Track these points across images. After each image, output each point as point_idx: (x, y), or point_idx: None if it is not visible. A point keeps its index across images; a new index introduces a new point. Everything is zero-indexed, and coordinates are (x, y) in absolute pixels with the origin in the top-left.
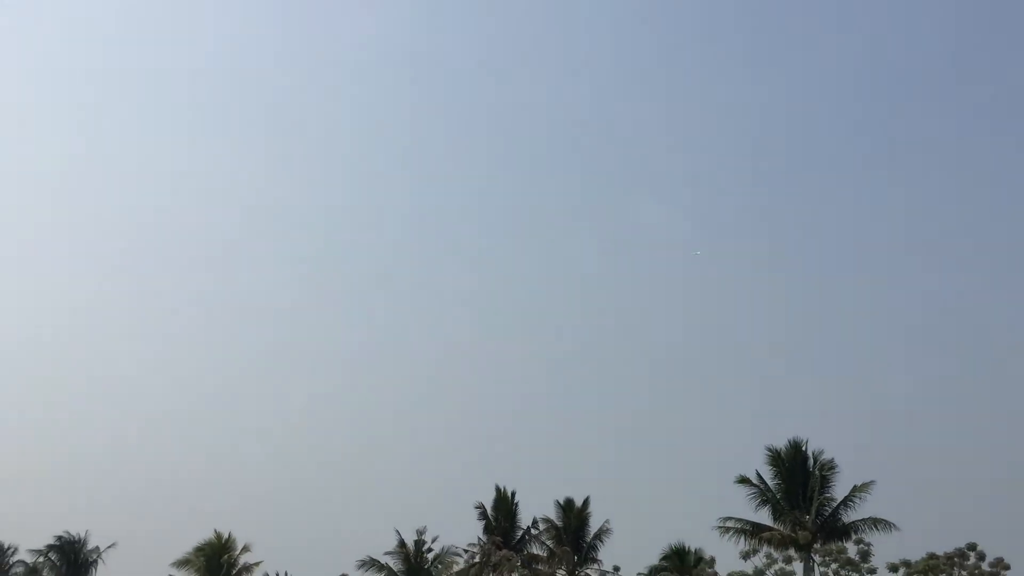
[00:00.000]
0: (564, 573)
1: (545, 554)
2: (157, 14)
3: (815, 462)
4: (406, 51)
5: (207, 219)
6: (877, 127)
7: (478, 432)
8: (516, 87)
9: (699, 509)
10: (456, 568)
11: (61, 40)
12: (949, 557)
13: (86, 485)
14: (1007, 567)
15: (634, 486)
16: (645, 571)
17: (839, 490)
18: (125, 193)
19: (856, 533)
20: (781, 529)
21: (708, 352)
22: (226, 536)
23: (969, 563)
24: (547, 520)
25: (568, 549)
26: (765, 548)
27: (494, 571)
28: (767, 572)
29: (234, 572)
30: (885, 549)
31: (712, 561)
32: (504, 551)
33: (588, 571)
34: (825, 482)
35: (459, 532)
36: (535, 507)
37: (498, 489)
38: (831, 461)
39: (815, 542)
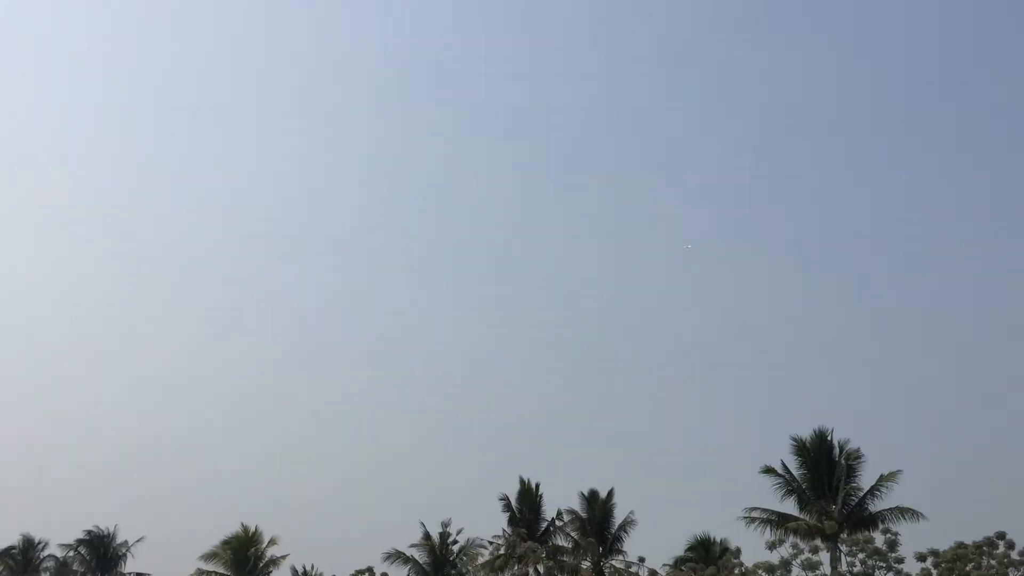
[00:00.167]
0: (589, 564)
1: (570, 545)
2: (179, 8)
3: (841, 451)
4: (429, 48)
5: (232, 217)
6: (904, 117)
7: (502, 425)
8: (536, 83)
9: (724, 500)
10: (481, 560)
11: (88, 38)
12: (978, 546)
13: (115, 480)
14: None
15: (658, 477)
16: (670, 562)
17: (865, 479)
18: (154, 191)
19: (883, 523)
20: (807, 519)
21: (731, 342)
22: (253, 529)
23: (998, 552)
24: (571, 512)
25: (593, 540)
26: (791, 538)
27: (519, 563)
28: (793, 562)
29: (261, 565)
30: (913, 539)
31: (737, 552)
32: (529, 543)
33: (613, 562)
34: (851, 471)
35: (484, 524)
36: (559, 499)
37: (522, 481)
38: (857, 450)
39: (841, 532)
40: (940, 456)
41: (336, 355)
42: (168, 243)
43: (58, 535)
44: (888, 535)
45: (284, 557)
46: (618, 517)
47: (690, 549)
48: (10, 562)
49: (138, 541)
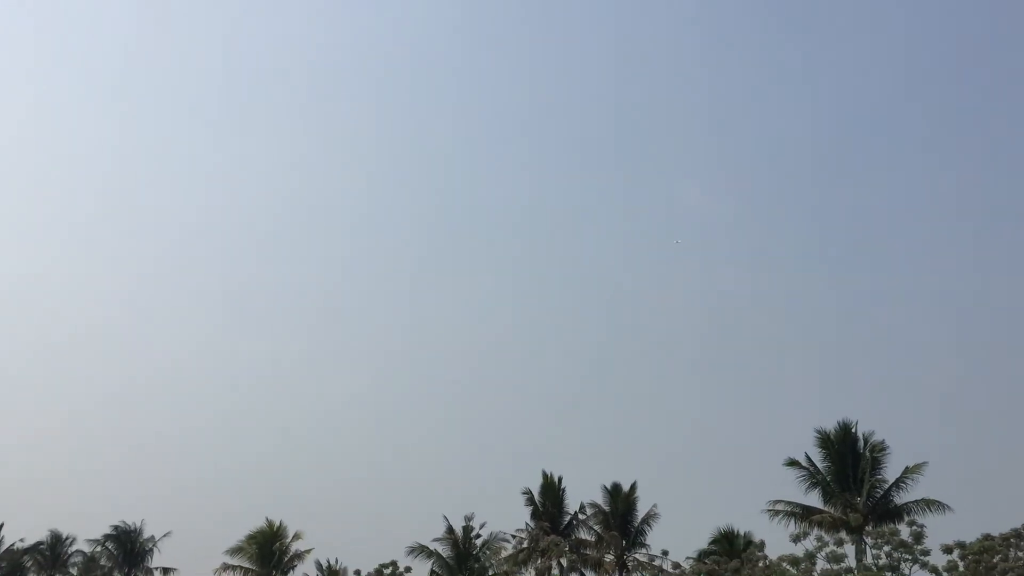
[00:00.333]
0: (612, 558)
1: (593, 539)
2: (191, 10)
3: (865, 444)
4: (445, 47)
5: (249, 215)
6: (925, 113)
7: (525, 419)
8: (555, 78)
9: (748, 492)
10: (504, 554)
11: (97, 39)
12: (1005, 538)
13: (141, 476)
14: None
15: (682, 470)
16: (694, 555)
17: (891, 471)
18: (170, 189)
19: (909, 515)
20: (832, 511)
21: (754, 335)
22: (278, 524)
23: None
24: (594, 505)
25: (616, 534)
26: (816, 531)
27: (542, 556)
28: (818, 555)
29: (286, 559)
30: (939, 531)
31: (762, 544)
32: (552, 536)
33: (636, 555)
34: (876, 464)
35: (507, 518)
36: (582, 492)
37: (545, 475)
38: (882, 442)
39: (867, 524)
40: (966, 448)
41: (360, 352)
42: (186, 243)
43: (85, 531)
44: (914, 527)
45: (308, 551)
46: (641, 510)
47: (714, 542)
48: (39, 557)
49: (164, 536)
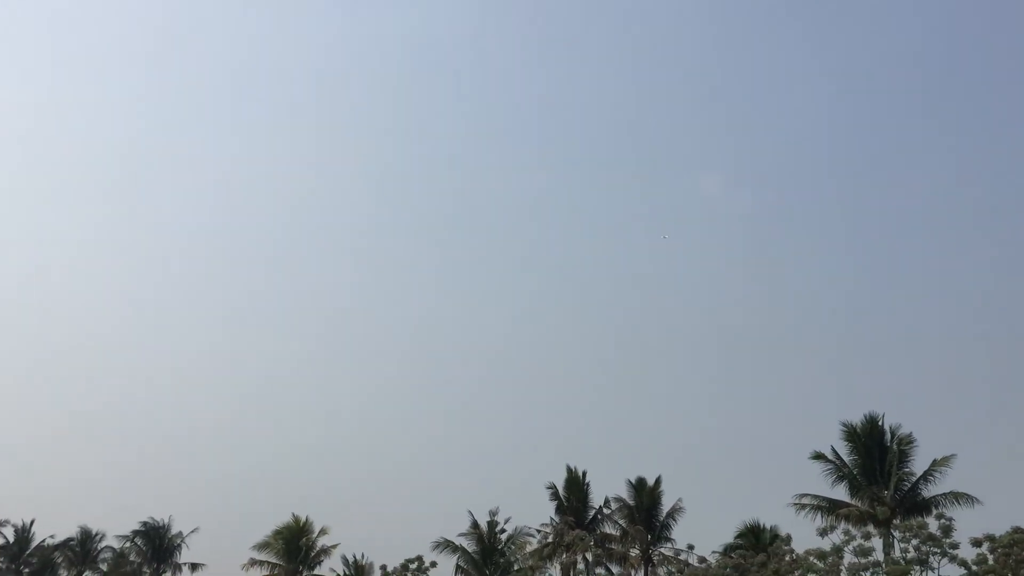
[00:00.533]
0: (638, 552)
1: (618, 533)
2: (203, 13)
3: (892, 436)
4: (452, 43)
5: (267, 219)
6: (945, 102)
7: (548, 414)
8: (568, 75)
9: (773, 486)
10: (529, 548)
11: (114, 46)
12: None
13: (169, 473)
14: None
15: (707, 464)
16: (720, 549)
17: (918, 464)
18: (180, 192)
19: (937, 508)
20: (859, 505)
21: (777, 328)
22: (304, 520)
23: None
24: (619, 499)
25: (641, 528)
26: (843, 525)
27: (567, 551)
28: (845, 549)
29: (312, 555)
30: (968, 524)
31: (788, 538)
32: (577, 531)
33: (662, 550)
34: (904, 456)
35: (531, 513)
36: (606, 487)
37: (569, 469)
38: (909, 435)
39: (894, 518)
40: (996, 440)
41: (384, 348)
42: (199, 244)
43: (115, 527)
44: (942, 520)
45: (335, 547)
46: (666, 505)
47: (739, 536)
48: (69, 554)
49: (192, 532)
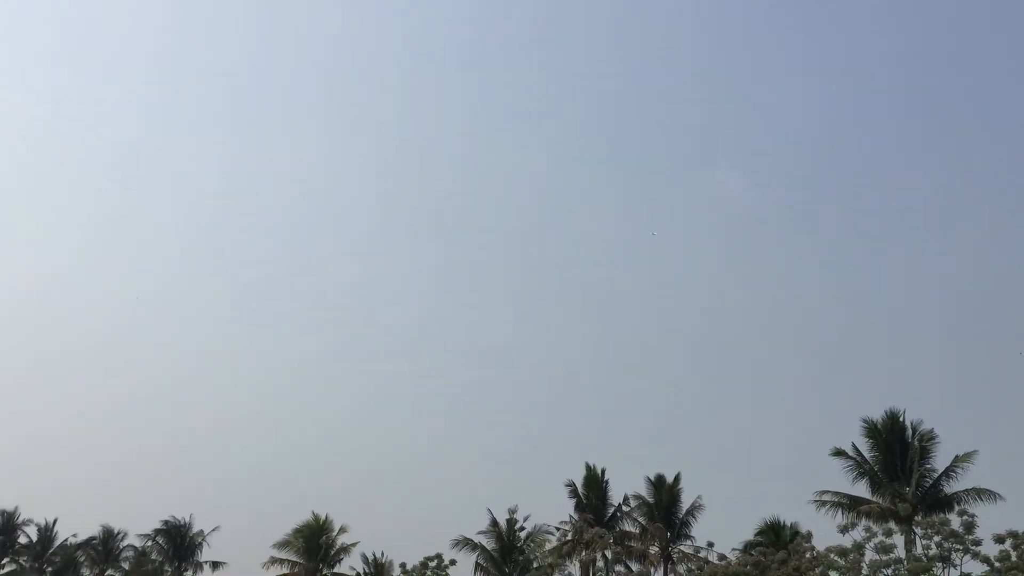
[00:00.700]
0: (657, 550)
1: (637, 531)
2: (213, 13)
3: (914, 433)
4: (471, 39)
5: (289, 219)
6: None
7: (567, 411)
8: (580, 74)
9: (794, 483)
10: (548, 546)
11: (126, 45)
12: None
13: (190, 472)
14: None
15: (726, 461)
16: (740, 547)
17: (940, 461)
18: (189, 190)
19: (959, 504)
20: (880, 502)
21: (797, 323)
22: (323, 518)
23: None
24: (638, 497)
25: (661, 526)
26: (863, 521)
27: (586, 548)
28: (866, 546)
29: (332, 553)
30: (990, 520)
31: (809, 535)
32: (596, 528)
33: (682, 547)
34: (925, 453)
35: (551, 510)
36: (625, 484)
37: (588, 467)
38: (931, 431)
39: (916, 514)
40: (1017, 436)
41: (403, 347)
42: (213, 243)
43: (136, 526)
44: (965, 517)
45: (354, 545)
46: (685, 502)
47: (760, 533)
48: (91, 553)
49: (213, 531)
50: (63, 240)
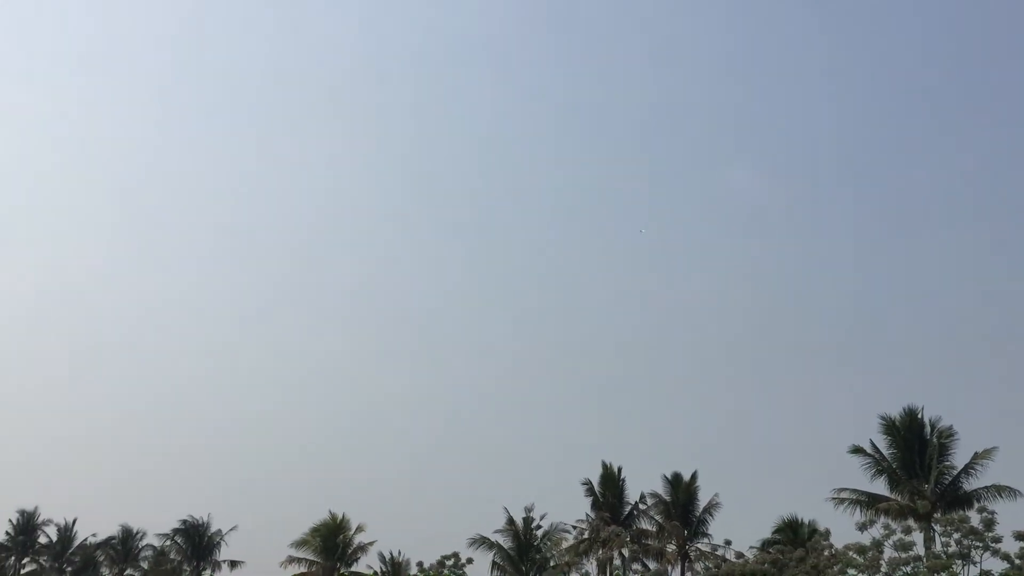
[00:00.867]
0: (674, 548)
1: (654, 529)
2: (228, 13)
3: (932, 429)
4: (477, 40)
5: (312, 219)
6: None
7: (583, 409)
8: (592, 74)
9: (811, 481)
10: (565, 545)
11: (137, 49)
12: None
13: (208, 472)
14: None
15: (743, 459)
16: (757, 545)
17: (959, 457)
18: (209, 189)
19: (979, 501)
20: (899, 499)
21: (811, 321)
22: (341, 517)
23: None
24: (655, 495)
25: (678, 524)
26: (882, 519)
27: (603, 547)
28: (885, 543)
29: (349, 552)
30: (1010, 517)
31: (827, 533)
32: (613, 527)
33: (699, 545)
34: (944, 450)
35: (567, 509)
36: (642, 482)
37: (605, 465)
38: (950, 428)
39: (935, 512)
40: None
41: (420, 347)
42: (226, 243)
43: (155, 525)
44: (984, 514)
45: (371, 544)
46: (702, 500)
47: (777, 531)
48: (111, 552)
49: (231, 530)
50: (76, 242)
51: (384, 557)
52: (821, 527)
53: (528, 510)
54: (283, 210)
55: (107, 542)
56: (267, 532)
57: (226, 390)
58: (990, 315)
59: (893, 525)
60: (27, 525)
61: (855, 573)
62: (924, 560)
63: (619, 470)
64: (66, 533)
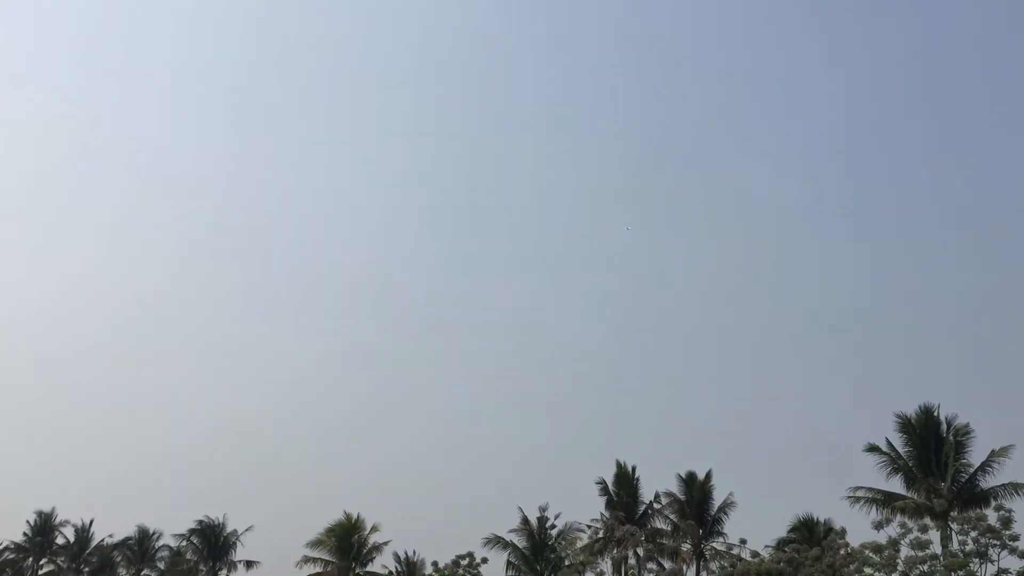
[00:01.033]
0: (689, 547)
1: (669, 528)
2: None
3: (948, 427)
4: (476, 41)
5: (342, 221)
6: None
7: (596, 408)
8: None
9: (826, 480)
10: (580, 544)
11: (144, 51)
12: None
13: (223, 472)
14: None
15: (758, 458)
16: (773, 544)
17: (975, 455)
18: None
19: (996, 499)
20: (915, 497)
21: (828, 320)
22: (355, 517)
23: None
24: (669, 494)
25: (693, 523)
26: (899, 517)
27: (618, 546)
28: (902, 542)
29: (364, 551)
30: None
31: (843, 532)
32: (628, 526)
33: (714, 544)
34: (960, 447)
35: (581, 508)
36: (656, 481)
37: (619, 464)
38: (966, 426)
39: (952, 510)
40: None
41: (433, 347)
42: (228, 241)
43: (171, 526)
44: (1001, 512)
45: (386, 543)
46: (717, 499)
47: (793, 530)
48: (127, 552)
49: (247, 530)
50: (75, 243)
51: (399, 557)
52: (837, 526)
53: (542, 509)
54: (283, 210)
55: (124, 543)
56: (282, 532)
57: (236, 389)
58: (1006, 312)
59: (909, 523)
60: (44, 526)
61: (871, 572)
62: (941, 559)
63: (633, 469)
64: (83, 534)
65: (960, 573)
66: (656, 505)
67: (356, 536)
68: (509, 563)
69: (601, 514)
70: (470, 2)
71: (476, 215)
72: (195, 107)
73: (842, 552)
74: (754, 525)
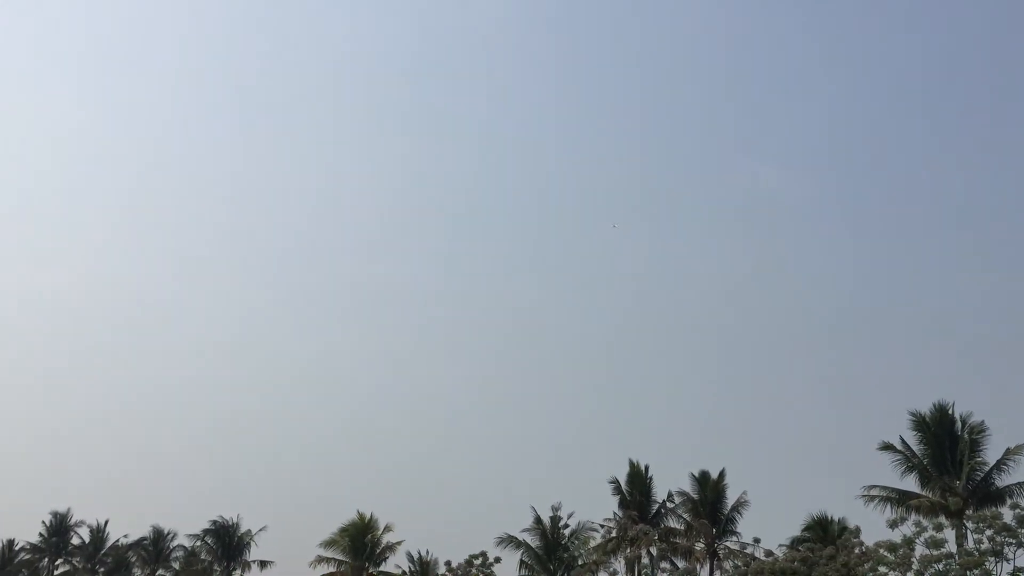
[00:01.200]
0: (703, 546)
1: (682, 527)
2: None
3: (963, 425)
4: (483, 40)
5: (354, 220)
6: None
7: (608, 408)
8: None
9: (841, 478)
10: (593, 543)
11: (155, 49)
12: None
13: (223, 473)
14: None
15: (772, 457)
16: (787, 543)
17: (991, 454)
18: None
19: (1011, 497)
20: (930, 496)
21: (841, 318)
22: (369, 517)
23: None
24: (683, 493)
25: (706, 522)
26: (913, 516)
27: (631, 545)
28: (916, 541)
29: (378, 551)
30: None
31: (857, 530)
32: (641, 525)
33: (727, 543)
34: (975, 446)
35: (594, 508)
36: (669, 480)
37: (632, 463)
38: (981, 423)
39: (967, 508)
40: None
41: (446, 348)
42: (229, 241)
43: (186, 526)
44: (1017, 510)
45: (399, 543)
46: (731, 498)
47: (807, 529)
48: (142, 553)
49: (261, 530)
50: (79, 241)
51: (412, 556)
52: (851, 524)
53: (555, 509)
54: (283, 210)
55: (139, 543)
56: (296, 532)
57: (236, 389)
58: (1006, 312)
59: (924, 522)
60: (60, 526)
61: (886, 571)
62: (956, 557)
63: (646, 468)
64: (98, 534)
65: (976, 572)
66: (669, 504)
67: (369, 536)
68: (522, 562)
69: (614, 513)
70: (470, 2)
71: (476, 215)
72: (195, 107)
73: (856, 551)
74: (768, 524)
